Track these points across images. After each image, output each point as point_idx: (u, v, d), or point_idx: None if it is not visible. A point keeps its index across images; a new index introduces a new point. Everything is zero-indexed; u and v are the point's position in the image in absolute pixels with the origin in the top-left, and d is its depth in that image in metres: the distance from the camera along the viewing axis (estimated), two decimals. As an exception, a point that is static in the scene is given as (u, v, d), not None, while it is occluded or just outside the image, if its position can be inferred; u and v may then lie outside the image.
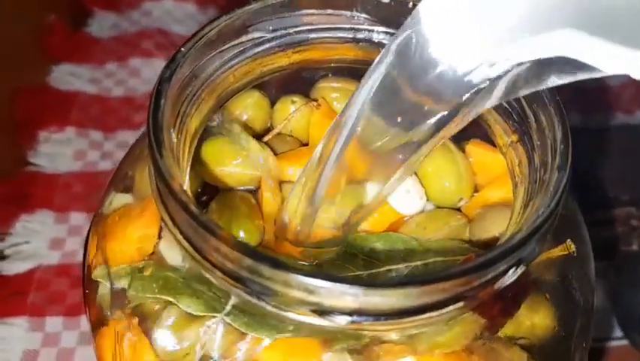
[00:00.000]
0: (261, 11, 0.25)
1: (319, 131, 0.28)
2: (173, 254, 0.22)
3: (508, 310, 0.23)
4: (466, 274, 0.18)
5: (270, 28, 0.26)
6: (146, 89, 0.61)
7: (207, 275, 0.19)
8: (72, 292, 0.48)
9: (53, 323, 0.46)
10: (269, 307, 0.18)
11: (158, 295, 0.21)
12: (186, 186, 0.22)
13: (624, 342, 0.40)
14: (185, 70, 0.23)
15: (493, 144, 0.27)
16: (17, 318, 0.45)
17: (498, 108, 0.24)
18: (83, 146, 0.56)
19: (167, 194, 0.19)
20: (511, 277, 0.19)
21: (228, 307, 0.20)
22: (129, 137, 0.58)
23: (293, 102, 0.29)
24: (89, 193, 0.53)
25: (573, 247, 0.24)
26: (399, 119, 0.21)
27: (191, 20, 0.68)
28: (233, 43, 0.25)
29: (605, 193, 0.46)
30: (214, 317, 0.20)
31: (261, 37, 0.25)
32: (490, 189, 0.26)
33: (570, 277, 0.24)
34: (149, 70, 0.63)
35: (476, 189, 0.27)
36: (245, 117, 0.29)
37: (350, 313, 0.18)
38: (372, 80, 0.21)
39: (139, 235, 0.23)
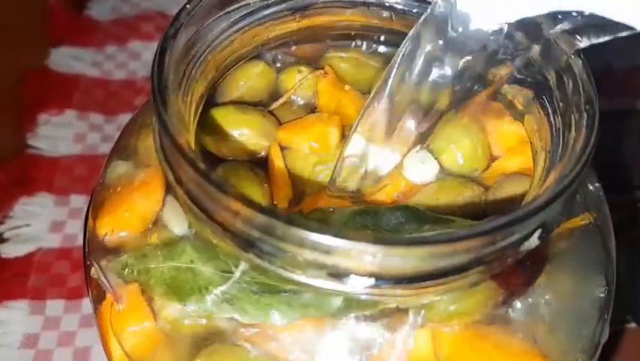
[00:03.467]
0: (271, -28, 0.24)
1: (327, 99, 0.27)
2: (177, 222, 0.21)
3: (527, 280, 0.22)
4: (491, 233, 0.17)
5: (279, -11, 0.25)
6: (147, 72, 0.60)
7: (215, 240, 0.18)
8: (73, 275, 0.47)
9: (54, 306, 0.45)
10: (282, 272, 0.17)
11: (162, 264, 0.20)
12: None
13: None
14: (190, 30, 0.22)
15: (509, 114, 0.26)
16: (17, 301, 0.44)
17: (515, 71, 0.23)
18: (83, 129, 0.55)
19: (174, 151, 0.18)
20: (535, 241, 0.18)
21: (238, 274, 0.19)
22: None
23: (299, 72, 0.29)
24: (89, 176, 0.53)
25: (593, 217, 0.23)
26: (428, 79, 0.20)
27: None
28: (240, 4, 0.24)
29: (627, 177, 0.45)
30: (222, 284, 0.19)
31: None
32: (506, 158, 0.25)
33: (591, 247, 0.23)
34: (149, 53, 0.62)
35: (492, 161, 0.26)
36: (250, 87, 0.28)
37: (368, 276, 0.17)
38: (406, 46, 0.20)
39: (141, 203, 0.22)
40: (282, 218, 0.16)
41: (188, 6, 0.21)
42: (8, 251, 0.47)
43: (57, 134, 0.54)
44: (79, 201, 0.50)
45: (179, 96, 0.21)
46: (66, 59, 0.60)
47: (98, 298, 0.23)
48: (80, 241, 0.48)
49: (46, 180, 0.51)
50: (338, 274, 0.17)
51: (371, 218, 0.23)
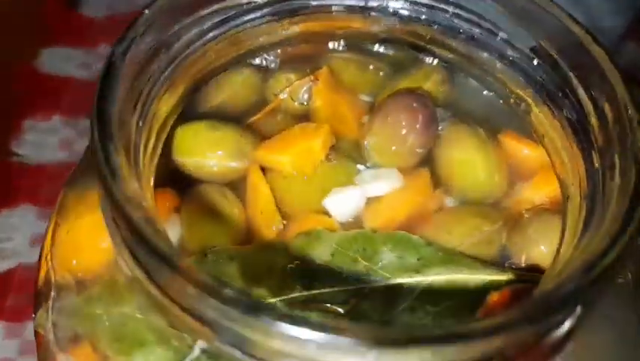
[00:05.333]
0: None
1: (323, 103, 0.24)
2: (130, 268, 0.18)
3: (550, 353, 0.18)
4: (516, 328, 0.13)
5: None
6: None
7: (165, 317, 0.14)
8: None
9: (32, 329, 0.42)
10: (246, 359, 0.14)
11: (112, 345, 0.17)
12: (151, 182, 0.18)
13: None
14: (150, 40, 0.18)
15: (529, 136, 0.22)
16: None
17: (540, 90, 0.20)
18: (71, 135, 0.52)
19: (129, 236, 0.14)
20: (565, 328, 0.14)
21: (196, 353, 0.15)
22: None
23: (287, 79, 0.25)
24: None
25: (630, 273, 0.19)
26: None
27: None
28: (213, 8, 0.20)
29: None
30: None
31: (250, 1, 0.21)
32: (531, 187, 0.21)
33: (625, 307, 0.19)
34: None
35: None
36: (232, 96, 0.25)
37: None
38: None
39: (90, 251, 0.18)
40: (237, 303, 0.12)
41: (146, 11, 0.18)
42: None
43: (43, 141, 0.51)
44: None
45: (133, 120, 0.17)
46: (55, 60, 0.57)
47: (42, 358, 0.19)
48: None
49: (29, 190, 0.48)
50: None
51: (362, 250, 0.20)
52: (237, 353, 0.13)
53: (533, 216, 0.20)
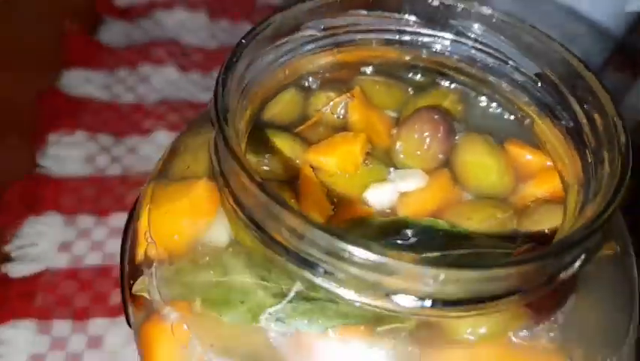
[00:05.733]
0: (315, 10, 0.25)
1: (358, 117, 0.29)
2: (226, 239, 0.22)
3: (554, 305, 0.23)
4: (551, 256, 0.18)
5: (322, 27, 0.26)
6: (156, 96, 0.61)
7: (274, 258, 0.19)
8: (80, 295, 0.47)
9: (61, 326, 0.45)
10: (338, 291, 0.18)
11: (211, 279, 0.21)
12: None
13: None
14: (243, 63, 0.23)
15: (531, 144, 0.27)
16: (24, 320, 0.44)
17: (542, 107, 0.25)
18: (92, 150, 0.56)
19: (238, 173, 0.18)
20: (576, 267, 0.19)
21: (292, 294, 0.20)
22: (139, 142, 0.57)
23: (327, 97, 0.30)
24: (97, 197, 0.53)
25: (618, 247, 0.24)
26: None
27: (202, 31, 0.69)
28: (286, 39, 0.25)
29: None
30: (277, 304, 0.20)
31: (313, 35, 0.26)
32: (533, 185, 0.26)
33: (616, 276, 0.24)
34: (159, 77, 0.63)
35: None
36: (281, 112, 0.29)
37: (422, 298, 0.18)
38: None
39: (190, 226, 0.23)
40: (350, 240, 0.17)
41: (243, 40, 0.23)
42: (14, 271, 0.47)
43: (66, 155, 0.55)
44: (87, 222, 0.51)
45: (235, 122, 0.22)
46: (77, 82, 0.61)
47: (141, 318, 0.23)
48: (88, 261, 0.49)
49: (54, 200, 0.51)
50: (393, 295, 0.18)
51: (398, 232, 0.24)
52: (333, 288, 0.18)
53: (538, 205, 0.26)
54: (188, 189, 0.24)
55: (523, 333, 0.22)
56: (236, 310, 0.21)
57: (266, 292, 0.20)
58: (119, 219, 0.51)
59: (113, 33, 0.66)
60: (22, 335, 0.43)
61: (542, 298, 0.22)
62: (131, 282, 0.24)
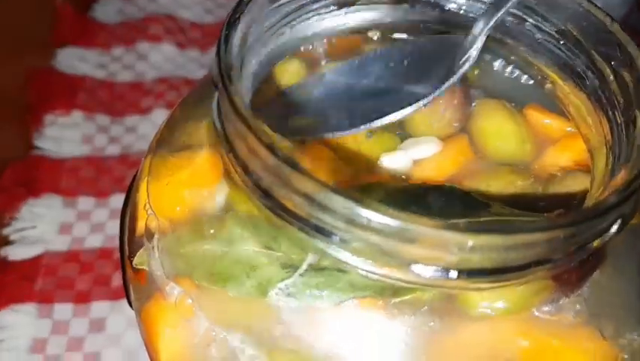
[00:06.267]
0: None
1: None
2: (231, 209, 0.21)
3: (582, 276, 0.21)
4: (589, 220, 0.16)
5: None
6: (155, 73, 0.59)
7: (283, 227, 0.17)
8: (81, 278, 0.46)
9: (62, 310, 0.44)
10: (354, 262, 0.17)
11: (217, 250, 0.19)
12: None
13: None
14: (246, 20, 0.21)
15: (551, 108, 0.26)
16: (25, 305, 0.43)
17: (564, 67, 0.24)
18: (90, 130, 0.55)
19: (246, 135, 0.17)
20: (613, 232, 0.18)
21: (304, 267, 0.18)
22: (137, 121, 0.56)
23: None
24: (96, 178, 0.52)
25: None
26: None
27: (198, 6, 0.67)
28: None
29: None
30: (288, 277, 0.19)
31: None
32: (555, 151, 0.25)
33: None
34: (157, 54, 0.61)
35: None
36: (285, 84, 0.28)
37: (446, 268, 0.16)
38: None
39: (194, 196, 0.21)
40: (370, 205, 0.16)
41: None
42: (14, 253, 0.45)
43: (63, 136, 0.53)
44: (87, 203, 0.49)
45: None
46: (71, 60, 0.59)
47: (144, 295, 0.22)
48: (88, 244, 0.47)
49: (52, 182, 0.50)
50: (415, 265, 0.16)
51: (415, 197, 0.23)
52: (348, 258, 0.16)
53: (562, 171, 0.24)
54: (189, 159, 0.22)
55: (548, 307, 0.21)
56: (243, 284, 0.20)
57: (274, 265, 0.19)
58: (119, 200, 0.49)
59: (107, 10, 0.65)
60: (22, 319, 0.42)
61: (569, 270, 0.20)
62: (131, 258, 0.23)
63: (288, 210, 0.17)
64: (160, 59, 0.61)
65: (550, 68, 0.25)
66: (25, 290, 0.44)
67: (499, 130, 0.26)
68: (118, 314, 0.43)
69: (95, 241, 0.47)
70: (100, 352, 0.42)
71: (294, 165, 0.16)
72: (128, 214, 0.25)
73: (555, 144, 0.25)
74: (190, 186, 0.22)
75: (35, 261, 0.45)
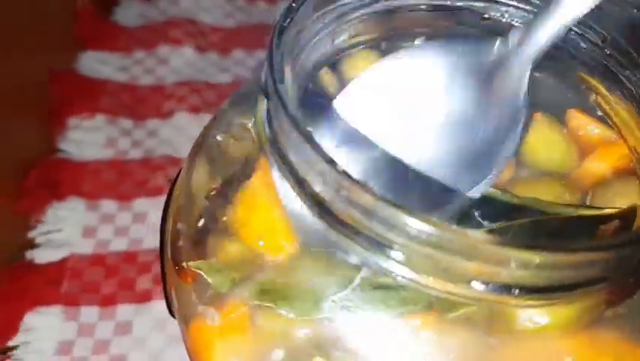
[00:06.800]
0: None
1: None
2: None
3: (629, 293, 0.21)
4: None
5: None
6: (175, 77, 0.59)
7: (338, 241, 0.17)
8: (107, 282, 0.46)
9: (88, 313, 0.44)
10: (411, 276, 0.17)
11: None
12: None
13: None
14: (294, 28, 0.21)
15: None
16: (51, 307, 0.43)
17: (608, 75, 0.24)
18: (113, 133, 0.55)
19: (298, 142, 0.17)
20: None
21: (357, 280, 0.18)
22: (158, 125, 0.56)
23: None
24: (119, 181, 0.52)
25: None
26: None
27: (219, 10, 0.67)
28: (334, 5, 0.23)
29: None
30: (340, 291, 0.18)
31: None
32: (595, 159, 0.25)
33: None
34: (177, 58, 0.61)
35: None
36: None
37: (507, 285, 0.16)
38: None
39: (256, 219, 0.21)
40: (433, 221, 0.15)
41: (294, 4, 0.21)
42: (40, 257, 0.46)
43: (86, 139, 0.54)
44: (110, 206, 0.50)
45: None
46: (94, 64, 0.59)
47: (193, 307, 0.22)
48: (112, 247, 0.47)
49: (75, 185, 0.50)
50: (474, 281, 0.16)
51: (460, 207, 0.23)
52: (414, 275, 0.16)
53: (611, 180, 0.24)
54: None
55: (594, 323, 0.21)
56: (296, 302, 0.20)
57: (328, 279, 0.19)
58: (142, 204, 0.50)
59: (128, 13, 0.65)
60: (49, 321, 0.42)
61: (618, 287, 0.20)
62: (178, 266, 0.23)
63: (345, 223, 0.17)
64: (180, 62, 0.61)
65: (592, 76, 0.25)
66: (51, 293, 0.44)
67: (545, 140, 0.25)
68: (143, 317, 0.43)
69: (119, 245, 0.47)
70: (126, 354, 0.42)
71: (355, 180, 0.16)
72: (169, 220, 0.24)
73: (595, 151, 0.25)
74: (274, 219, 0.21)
75: (61, 264, 0.46)
